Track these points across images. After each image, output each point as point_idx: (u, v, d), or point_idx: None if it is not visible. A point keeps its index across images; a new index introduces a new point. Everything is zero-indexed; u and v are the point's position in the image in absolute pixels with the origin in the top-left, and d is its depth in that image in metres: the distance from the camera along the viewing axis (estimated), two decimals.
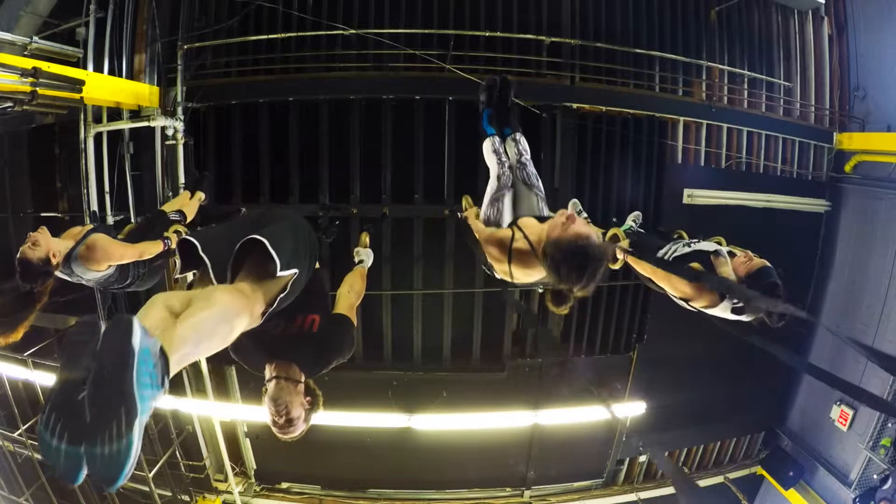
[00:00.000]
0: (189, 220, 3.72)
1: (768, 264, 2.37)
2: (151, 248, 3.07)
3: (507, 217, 2.64)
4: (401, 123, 5.15)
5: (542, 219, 2.39)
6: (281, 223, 1.99)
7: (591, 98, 5.24)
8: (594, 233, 1.81)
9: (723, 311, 2.43)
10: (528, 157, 2.97)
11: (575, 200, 4.25)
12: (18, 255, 2.42)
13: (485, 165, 3.02)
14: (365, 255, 3.14)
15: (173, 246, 3.27)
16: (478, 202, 2.98)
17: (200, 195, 4.08)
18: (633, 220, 4.03)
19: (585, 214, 4.24)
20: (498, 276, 2.37)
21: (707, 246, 2.69)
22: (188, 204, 3.87)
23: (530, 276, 2.11)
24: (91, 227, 2.85)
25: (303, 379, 2.03)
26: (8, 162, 5.49)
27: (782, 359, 2.09)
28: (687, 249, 2.72)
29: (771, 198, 5.74)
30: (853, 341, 1.88)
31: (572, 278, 1.74)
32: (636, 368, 5.89)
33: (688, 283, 2.47)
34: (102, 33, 4.66)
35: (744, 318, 2.38)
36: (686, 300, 2.54)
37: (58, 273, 2.61)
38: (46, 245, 2.47)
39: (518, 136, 3.04)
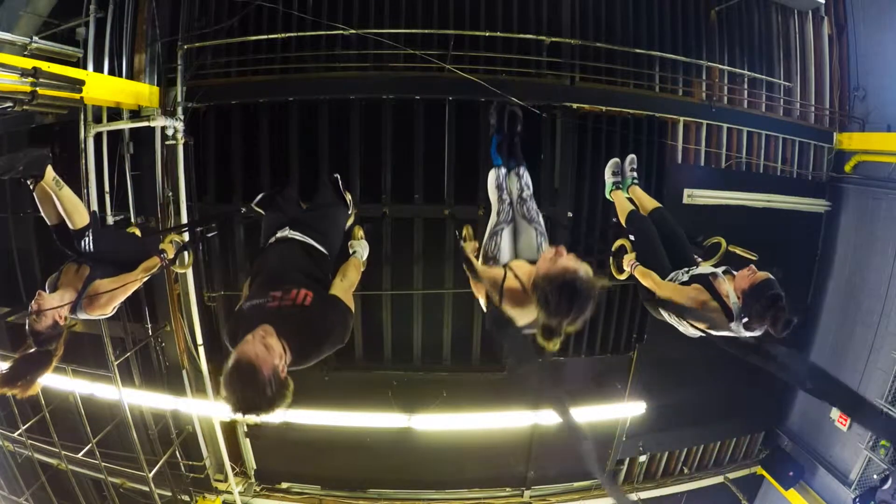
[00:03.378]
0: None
1: (771, 276, 2.38)
2: (150, 266, 3.01)
3: (505, 251, 2.65)
4: (401, 123, 5.14)
5: (534, 262, 2.39)
6: None
7: (590, 98, 5.23)
8: (583, 268, 1.85)
9: (735, 329, 2.44)
10: (531, 192, 2.97)
11: (616, 160, 4.07)
12: (27, 328, 2.47)
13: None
14: (359, 247, 3.05)
15: (170, 256, 3.26)
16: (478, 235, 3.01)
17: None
18: (630, 166, 3.95)
19: (613, 179, 4.01)
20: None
21: (703, 270, 2.77)
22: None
23: (522, 316, 2.10)
24: (88, 270, 2.72)
25: (289, 359, 1.85)
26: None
27: (783, 377, 2.11)
28: (685, 277, 2.79)
29: (771, 198, 5.73)
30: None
31: (561, 311, 1.78)
32: (636, 368, 5.89)
33: (696, 292, 2.54)
34: (102, 33, 4.65)
35: (755, 332, 2.38)
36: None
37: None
38: (50, 310, 2.50)
39: (522, 170, 3.04)
